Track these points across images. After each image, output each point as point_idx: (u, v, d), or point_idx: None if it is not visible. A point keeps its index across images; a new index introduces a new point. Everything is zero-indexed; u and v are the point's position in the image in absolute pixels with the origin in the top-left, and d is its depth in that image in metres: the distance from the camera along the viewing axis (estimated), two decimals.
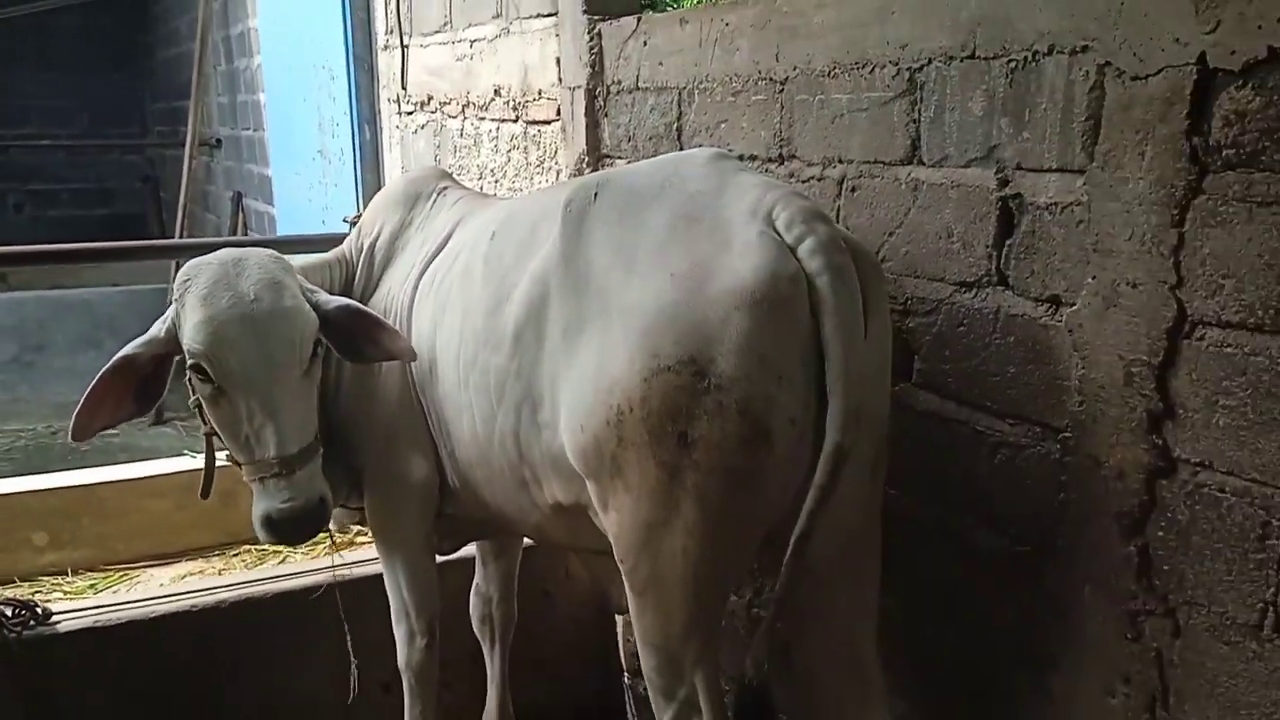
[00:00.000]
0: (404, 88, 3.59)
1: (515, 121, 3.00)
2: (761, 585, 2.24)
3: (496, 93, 3.07)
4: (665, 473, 1.58)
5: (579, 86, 2.63)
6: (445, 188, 2.35)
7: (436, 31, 3.38)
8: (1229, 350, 1.36)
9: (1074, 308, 1.55)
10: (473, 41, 3.16)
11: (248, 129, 6.19)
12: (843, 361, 1.52)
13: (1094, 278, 1.51)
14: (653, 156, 2.35)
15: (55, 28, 9.26)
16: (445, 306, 2.04)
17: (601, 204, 1.73)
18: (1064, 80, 1.52)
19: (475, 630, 2.57)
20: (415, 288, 2.17)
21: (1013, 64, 1.60)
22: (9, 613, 2.36)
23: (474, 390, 1.93)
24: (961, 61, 1.68)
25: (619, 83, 2.53)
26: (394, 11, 3.57)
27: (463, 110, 3.26)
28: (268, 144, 5.54)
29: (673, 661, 1.73)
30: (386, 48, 3.72)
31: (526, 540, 2.57)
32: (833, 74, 1.93)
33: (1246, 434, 1.35)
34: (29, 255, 3.73)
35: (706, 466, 1.55)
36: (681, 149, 2.32)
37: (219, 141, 6.70)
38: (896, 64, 1.79)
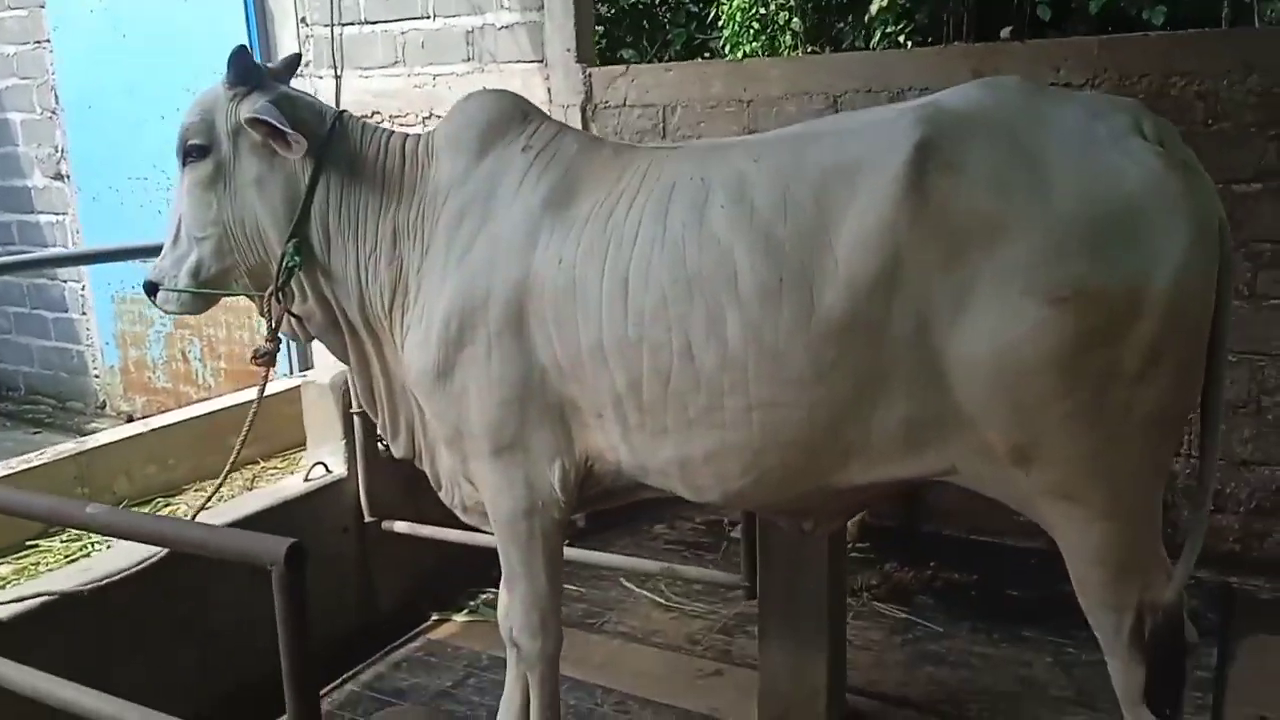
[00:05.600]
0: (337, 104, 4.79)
1: None
2: None
3: None
4: None
5: (572, 105, 4.32)
6: None
7: (385, 66, 4.69)
8: None
9: None
10: (436, 75, 4.58)
11: None
12: None
13: None
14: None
15: None
16: None
17: None
18: None
19: None
20: None
21: (890, 96, 3.83)
22: None
23: None
24: (863, 93, 3.87)
25: (607, 102, 4.29)
26: (314, 49, 4.75)
27: (423, 121, 4.65)
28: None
29: None
30: (300, 75, 4.85)
31: None
32: (784, 98, 4.00)
33: None
34: None
35: None
36: (666, 140, 4.19)
37: None
38: (826, 93, 3.93)
